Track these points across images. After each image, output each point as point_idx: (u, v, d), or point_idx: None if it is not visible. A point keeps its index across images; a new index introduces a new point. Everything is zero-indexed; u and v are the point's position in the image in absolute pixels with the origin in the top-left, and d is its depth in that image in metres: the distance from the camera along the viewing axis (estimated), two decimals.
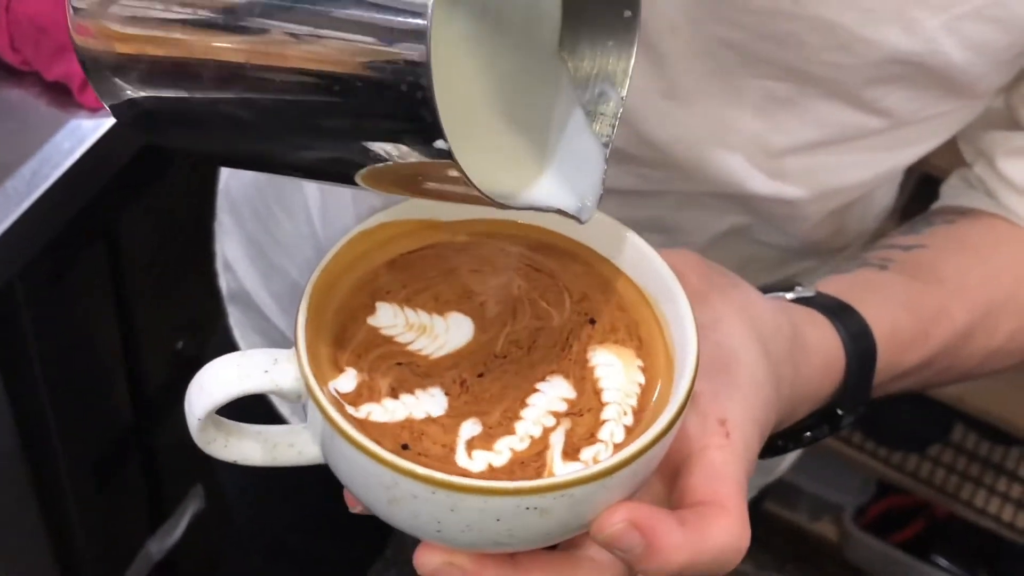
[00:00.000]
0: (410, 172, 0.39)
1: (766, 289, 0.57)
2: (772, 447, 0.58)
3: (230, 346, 0.92)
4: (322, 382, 0.43)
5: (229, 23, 0.37)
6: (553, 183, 0.46)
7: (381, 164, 0.38)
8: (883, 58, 0.57)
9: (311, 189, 0.78)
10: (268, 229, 0.83)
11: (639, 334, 0.47)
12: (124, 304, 1.16)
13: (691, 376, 0.43)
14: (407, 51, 0.34)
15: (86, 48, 0.40)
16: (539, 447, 0.42)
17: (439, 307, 0.47)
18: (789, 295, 0.59)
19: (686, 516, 0.43)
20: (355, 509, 0.45)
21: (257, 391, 0.43)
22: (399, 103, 0.35)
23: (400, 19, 0.35)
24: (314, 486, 0.56)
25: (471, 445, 0.42)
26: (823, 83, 0.59)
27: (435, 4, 0.34)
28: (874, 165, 0.66)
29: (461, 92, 0.44)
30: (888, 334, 0.59)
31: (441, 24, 0.43)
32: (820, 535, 1.85)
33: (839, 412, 0.58)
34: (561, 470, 0.41)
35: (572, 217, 0.45)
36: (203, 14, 0.37)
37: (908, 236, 0.68)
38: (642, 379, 0.45)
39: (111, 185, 1.02)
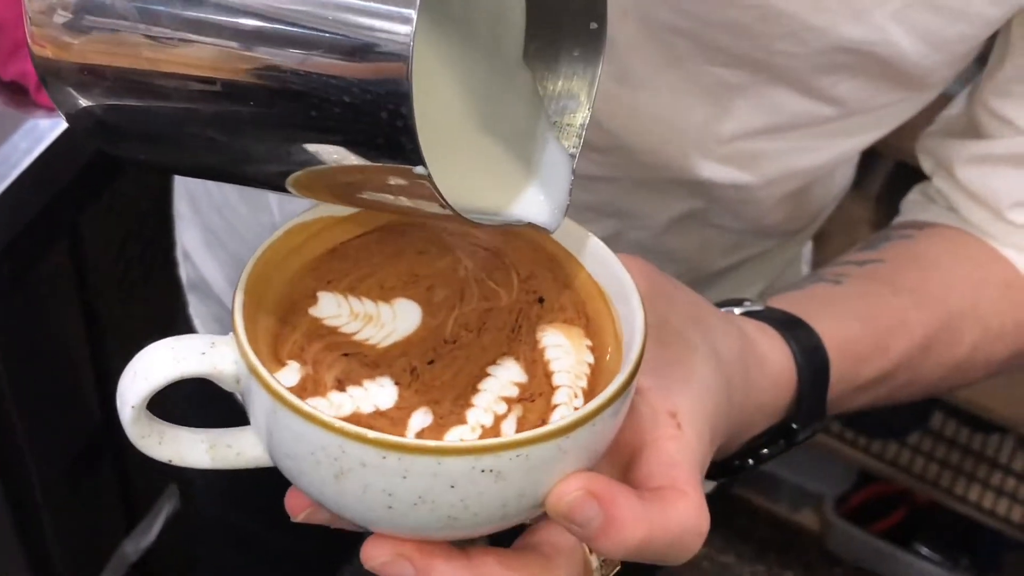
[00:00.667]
0: (384, 196, 0.38)
1: (715, 305, 0.56)
2: (730, 467, 0.58)
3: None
4: (262, 356, 0.41)
5: (199, 40, 0.36)
6: (522, 196, 0.45)
7: (353, 186, 0.38)
8: (833, 46, 0.57)
9: None
10: (226, 218, 0.82)
11: (587, 312, 0.46)
12: (89, 303, 1.15)
13: (641, 341, 0.42)
14: (389, 83, 0.34)
15: (43, 57, 0.39)
16: (490, 436, 0.41)
17: (384, 294, 0.46)
18: (738, 310, 0.58)
19: (644, 494, 0.42)
20: (297, 517, 0.43)
21: (194, 374, 0.41)
22: (378, 130, 0.35)
23: (381, 48, 0.34)
24: (283, 477, 0.55)
25: (421, 436, 0.40)
26: (774, 71, 0.59)
27: (415, 32, 0.34)
28: (827, 151, 0.66)
29: (434, 110, 0.44)
30: (841, 346, 0.58)
31: (419, 50, 0.42)
32: (801, 525, 1.85)
33: (794, 427, 0.57)
34: None
35: (542, 229, 0.45)
36: (171, 31, 0.37)
37: (864, 252, 0.68)
38: (591, 359, 0.44)
39: (71, 184, 1.01)
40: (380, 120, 0.35)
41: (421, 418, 0.41)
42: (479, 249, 0.48)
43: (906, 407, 1.74)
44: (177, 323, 0.95)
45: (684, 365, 0.48)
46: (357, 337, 0.44)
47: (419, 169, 0.36)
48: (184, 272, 0.92)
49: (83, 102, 0.40)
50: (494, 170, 0.46)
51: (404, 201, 0.39)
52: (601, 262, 0.46)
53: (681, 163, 0.64)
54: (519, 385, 0.43)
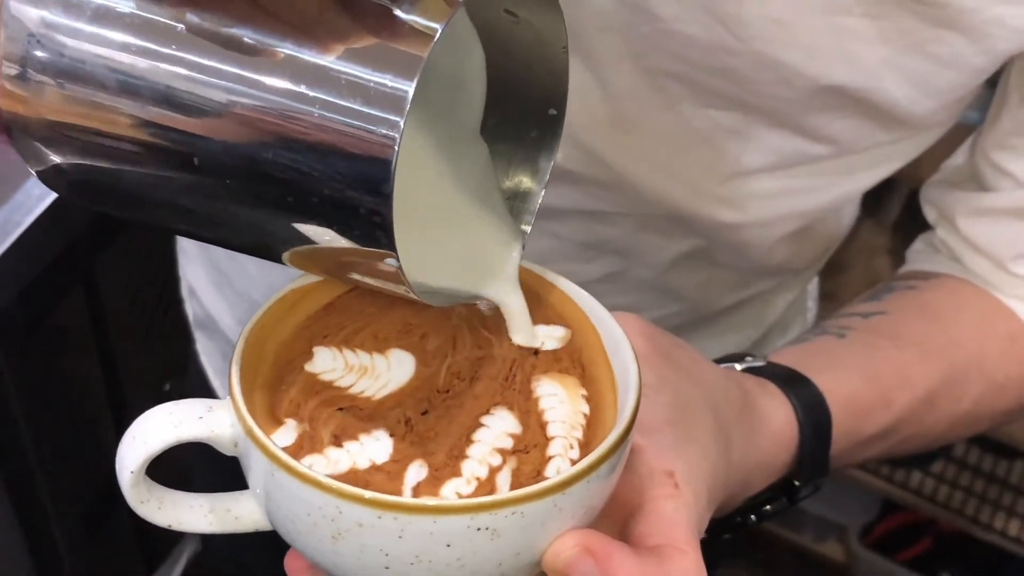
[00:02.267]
0: (354, 274, 0.40)
1: (717, 361, 0.57)
2: (731, 524, 0.58)
3: (199, 373, 0.92)
4: (259, 419, 0.41)
5: (177, 115, 0.37)
6: (477, 276, 0.46)
7: (322, 264, 0.39)
8: (825, 90, 0.57)
9: None
10: (232, 255, 0.83)
11: (582, 361, 0.46)
12: (106, 348, 1.16)
13: (635, 394, 0.42)
14: (371, 184, 0.35)
15: (14, 115, 0.40)
16: (485, 490, 0.40)
17: (379, 345, 0.46)
18: (739, 365, 0.58)
19: (642, 551, 0.42)
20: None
21: (192, 439, 0.41)
22: (355, 223, 0.36)
23: (366, 150, 0.35)
24: None
25: (417, 491, 0.40)
26: (768, 113, 0.60)
27: (402, 139, 0.35)
28: (825, 191, 0.67)
29: (407, 200, 0.45)
30: (844, 402, 0.58)
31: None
32: (826, 556, 1.84)
33: (796, 484, 0.57)
34: None
35: (490, 302, 0.46)
36: (146, 104, 0.37)
37: (869, 303, 0.68)
38: (587, 409, 0.44)
39: (86, 229, 1.01)
40: (358, 215, 0.36)
41: (416, 471, 0.41)
42: (471, 296, 0.48)
43: None
44: (187, 361, 0.95)
45: (682, 425, 0.48)
46: (352, 391, 0.44)
47: (391, 261, 0.37)
48: (190, 309, 0.93)
49: (52, 160, 0.41)
50: (455, 256, 0.46)
51: (370, 280, 0.40)
52: (595, 316, 0.46)
53: (680, 202, 0.64)
54: (513, 436, 0.42)
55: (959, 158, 0.69)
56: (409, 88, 0.35)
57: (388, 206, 0.35)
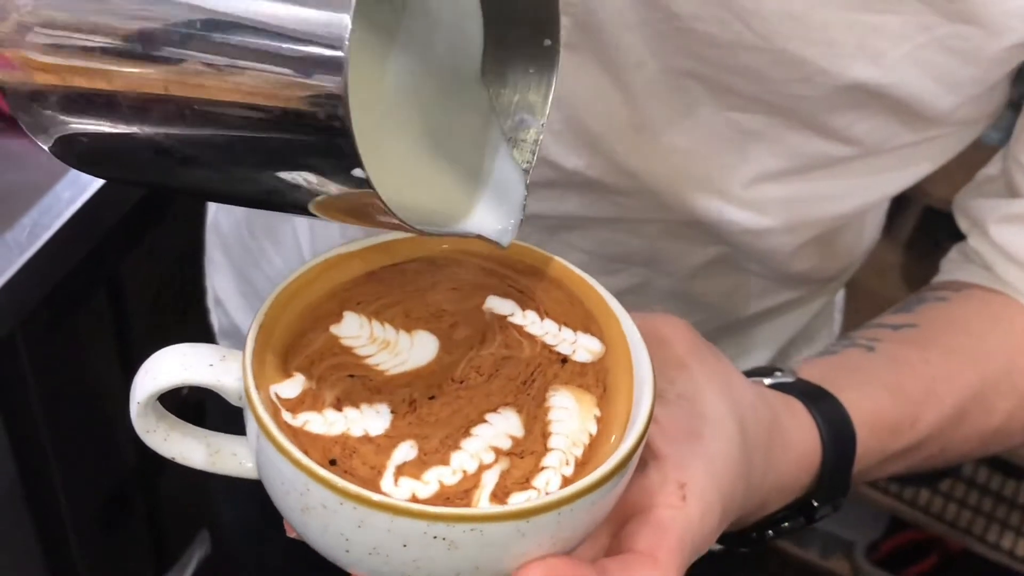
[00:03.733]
0: (332, 201, 0.39)
1: (746, 374, 0.56)
2: (746, 538, 0.58)
3: None
4: (262, 384, 0.42)
5: (144, 53, 0.37)
6: (474, 208, 0.46)
7: (306, 193, 0.39)
8: (847, 87, 0.57)
9: (300, 224, 0.78)
10: (258, 264, 0.83)
11: (606, 382, 0.45)
12: (126, 349, 1.16)
13: (631, 444, 0.41)
14: (324, 82, 0.34)
15: (4, 78, 0.40)
16: (469, 484, 0.40)
17: (408, 323, 0.46)
18: (768, 380, 0.58)
19: (607, 566, 0.42)
20: (291, 533, 0.44)
21: (199, 383, 0.42)
22: (316, 133, 0.35)
23: (316, 50, 0.34)
24: None
25: (400, 471, 0.40)
26: (790, 113, 0.59)
27: (351, 33, 0.34)
28: (849, 196, 0.66)
29: (381, 118, 0.45)
30: (870, 419, 0.58)
31: (359, 51, 0.43)
32: (832, 571, 1.83)
33: (814, 503, 0.57)
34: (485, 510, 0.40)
35: (492, 242, 0.45)
36: (119, 43, 0.37)
37: (899, 315, 0.67)
38: (594, 429, 0.43)
39: (112, 233, 1.02)
40: (318, 122, 0.35)
41: (406, 451, 0.41)
42: (515, 291, 0.48)
43: None
44: None
45: (708, 439, 0.48)
46: (369, 361, 0.45)
47: (358, 172, 0.36)
48: (216, 319, 0.93)
49: (47, 120, 0.41)
50: (446, 182, 0.46)
51: (358, 211, 0.39)
52: (632, 342, 0.46)
53: (703, 207, 0.64)
54: (513, 438, 0.42)
55: (991, 168, 0.68)
56: None
57: (345, 106, 0.34)
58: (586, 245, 0.68)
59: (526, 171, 0.47)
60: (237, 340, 0.89)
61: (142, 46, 0.37)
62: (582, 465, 0.42)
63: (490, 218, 0.46)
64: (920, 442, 0.61)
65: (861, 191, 0.66)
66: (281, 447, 0.39)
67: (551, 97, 0.46)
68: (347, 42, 0.34)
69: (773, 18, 0.54)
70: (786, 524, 0.57)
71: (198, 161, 0.40)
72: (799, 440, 0.55)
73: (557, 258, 0.49)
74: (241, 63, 0.35)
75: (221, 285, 0.90)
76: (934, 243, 1.66)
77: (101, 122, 0.40)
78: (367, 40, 0.44)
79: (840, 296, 0.90)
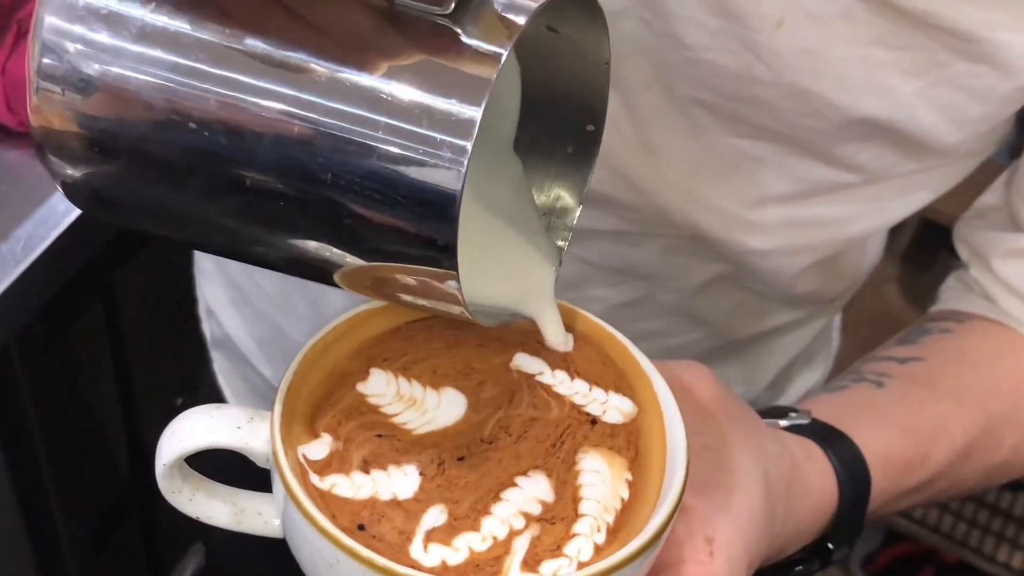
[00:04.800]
0: (411, 297, 0.39)
1: (760, 415, 0.56)
2: None
3: (216, 393, 0.92)
4: (290, 447, 0.41)
5: (226, 134, 0.36)
6: (515, 289, 0.46)
7: (381, 286, 0.39)
8: (856, 121, 0.57)
9: None
10: (250, 273, 0.83)
11: (638, 445, 0.44)
12: (122, 362, 1.16)
13: (666, 515, 0.41)
14: (437, 218, 0.35)
15: (45, 130, 0.39)
16: (500, 551, 0.40)
17: (435, 380, 0.46)
18: (783, 422, 0.58)
19: None
20: None
21: (227, 446, 0.42)
22: (419, 247, 0.36)
23: (433, 179, 0.35)
24: None
25: (430, 536, 0.40)
26: (796, 142, 0.60)
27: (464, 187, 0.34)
28: (851, 220, 0.66)
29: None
30: (884, 460, 0.58)
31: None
32: None
33: (830, 546, 0.57)
34: None
35: (527, 319, 0.45)
36: (199, 109, 0.36)
37: (905, 347, 0.67)
38: (626, 494, 0.42)
39: (108, 244, 1.02)
40: (422, 238, 0.36)
41: (436, 515, 0.41)
42: (543, 351, 0.47)
43: None
44: (203, 381, 0.95)
45: (734, 491, 0.48)
46: (396, 419, 0.44)
47: (451, 283, 0.36)
48: (208, 329, 0.93)
49: (83, 178, 0.40)
50: (494, 263, 0.45)
51: (422, 300, 0.39)
52: (666, 405, 0.45)
53: (707, 226, 0.64)
54: (543, 503, 0.42)
55: (991, 196, 0.68)
56: (477, 113, 0.34)
57: (453, 230, 0.35)
58: (589, 257, 0.68)
59: (561, 249, 0.47)
60: (230, 350, 0.89)
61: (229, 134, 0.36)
62: (614, 532, 0.41)
63: (529, 300, 0.46)
64: (931, 479, 0.61)
65: (864, 217, 0.66)
66: (309, 515, 0.39)
67: (589, 179, 0.46)
68: (465, 172, 0.34)
69: (785, 52, 0.54)
70: (800, 568, 0.58)
71: (270, 245, 0.39)
72: (818, 485, 0.55)
73: (587, 314, 0.48)
74: (352, 180, 0.35)
75: (212, 295, 0.89)
76: (931, 256, 1.66)
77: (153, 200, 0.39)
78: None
79: (838, 318, 0.90)
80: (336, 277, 0.40)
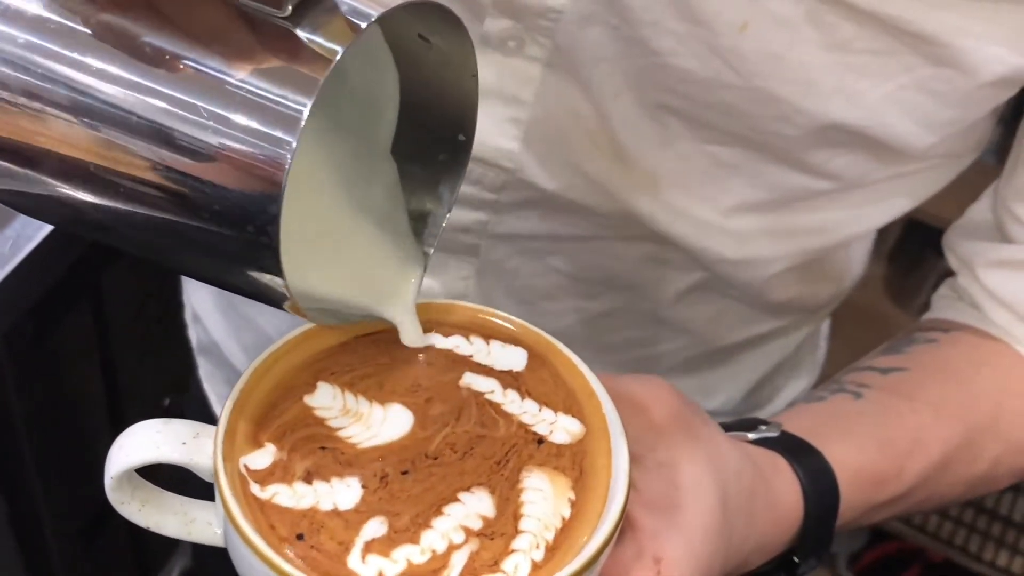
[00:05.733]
0: (239, 281, 0.39)
1: (728, 427, 0.56)
2: None
3: (201, 398, 0.92)
4: (230, 459, 0.42)
5: (74, 121, 0.37)
6: (368, 288, 0.46)
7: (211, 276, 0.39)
8: (825, 126, 0.57)
9: None
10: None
11: (583, 465, 0.44)
12: (109, 362, 1.16)
13: (605, 536, 0.41)
14: (259, 214, 0.35)
15: None
16: (438, 564, 0.40)
17: (382, 396, 0.46)
18: (751, 435, 0.57)
19: None
20: None
21: (172, 461, 0.42)
22: (244, 243, 0.36)
23: (257, 173, 0.35)
24: None
25: (369, 547, 0.40)
26: (767, 149, 0.59)
27: (293, 163, 0.34)
28: (828, 227, 0.66)
29: (298, 208, 0.44)
30: (855, 473, 0.58)
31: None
32: None
33: (795, 560, 0.56)
34: None
35: (389, 325, 0.46)
36: (54, 111, 0.37)
37: (889, 357, 0.67)
38: (567, 513, 0.42)
39: (94, 245, 1.02)
40: (246, 233, 0.36)
41: (375, 527, 0.41)
42: (494, 372, 0.48)
43: None
44: (189, 385, 0.96)
45: (687, 508, 0.47)
46: (341, 433, 0.44)
47: (278, 280, 0.37)
48: (194, 335, 0.93)
49: None
50: (345, 263, 0.46)
51: (254, 287, 0.39)
52: (614, 428, 0.45)
53: (683, 233, 0.64)
54: (484, 519, 0.42)
55: (981, 205, 0.68)
56: (304, 109, 0.35)
57: (276, 228, 0.35)
58: (568, 268, 0.68)
59: (426, 255, 0.47)
60: (216, 356, 0.89)
61: (70, 115, 0.37)
62: (552, 550, 0.41)
63: (386, 303, 0.46)
64: (906, 492, 0.61)
65: (842, 224, 0.66)
66: (248, 540, 0.39)
67: (458, 189, 0.46)
68: (288, 168, 0.34)
69: (752, 56, 0.54)
70: None
71: (125, 233, 0.40)
72: (782, 498, 0.55)
73: (542, 333, 0.49)
74: (182, 165, 0.36)
75: (198, 301, 0.89)
76: (917, 256, 1.67)
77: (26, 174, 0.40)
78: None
79: (826, 325, 0.90)
80: (182, 268, 0.41)
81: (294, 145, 0.35)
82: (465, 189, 0.63)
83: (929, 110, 0.57)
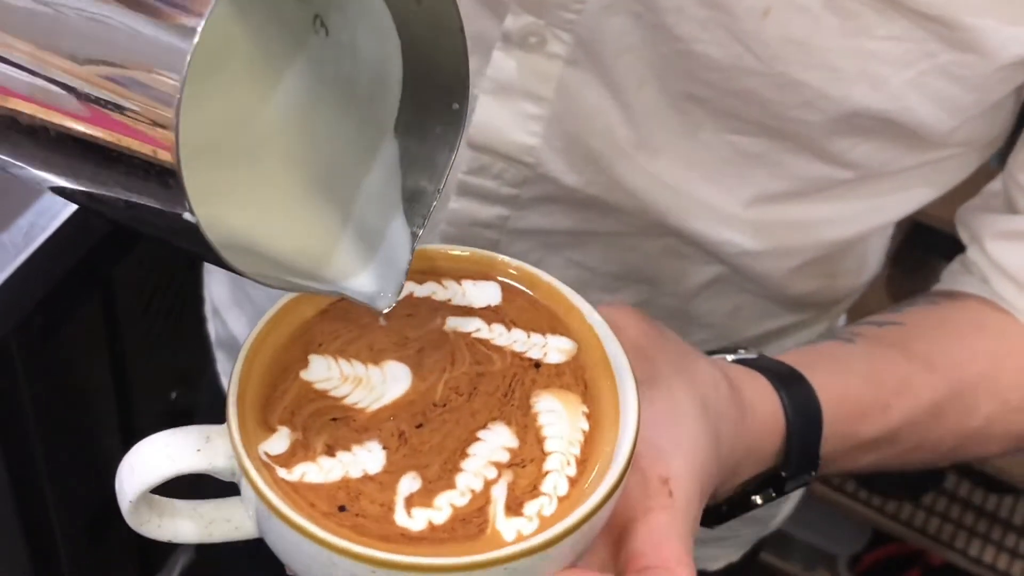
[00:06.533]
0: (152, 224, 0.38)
1: (708, 353, 0.57)
2: (717, 514, 0.58)
3: (217, 394, 0.92)
4: (253, 453, 0.41)
5: None
6: (351, 265, 0.45)
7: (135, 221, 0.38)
8: (849, 113, 0.57)
9: None
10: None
11: (585, 378, 0.45)
12: (118, 355, 1.16)
13: (631, 440, 0.42)
14: (160, 158, 0.34)
15: None
16: (481, 502, 0.41)
17: (374, 356, 0.46)
18: (730, 357, 0.58)
19: None
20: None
21: (190, 471, 0.41)
22: (149, 175, 0.35)
23: (150, 114, 0.34)
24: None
25: (410, 502, 0.41)
26: (790, 137, 0.60)
27: (192, 58, 0.33)
28: (848, 219, 0.66)
29: (274, 159, 0.43)
30: (838, 400, 0.58)
31: (268, 95, 0.42)
32: None
33: (783, 474, 0.57)
34: (504, 526, 0.40)
35: (366, 305, 0.44)
36: None
37: (887, 314, 0.67)
38: (586, 426, 0.44)
39: (105, 238, 1.02)
40: (149, 164, 0.34)
41: (409, 483, 0.41)
42: (474, 310, 0.48)
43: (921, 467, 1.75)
44: (204, 379, 0.96)
45: (674, 424, 0.48)
46: (347, 401, 0.44)
47: (188, 216, 0.35)
48: (213, 328, 0.93)
49: None
50: (330, 232, 0.45)
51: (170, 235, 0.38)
52: (603, 334, 0.46)
53: (702, 227, 0.64)
54: (510, 450, 0.42)
55: (998, 184, 0.68)
56: (198, 22, 0.33)
57: (179, 177, 0.34)
58: (588, 262, 0.68)
59: (415, 234, 0.46)
60: (234, 350, 0.89)
61: None
62: (583, 462, 0.42)
63: (367, 279, 0.45)
64: (892, 433, 0.61)
65: (861, 216, 0.67)
66: (300, 528, 0.39)
67: (451, 163, 0.45)
68: (178, 118, 0.33)
69: (774, 42, 0.55)
70: (757, 498, 0.58)
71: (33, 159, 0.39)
72: (762, 407, 0.55)
73: (509, 259, 0.49)
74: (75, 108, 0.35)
75: (218, 295, 0.90)
76: (921, 259, 1.67)
77: None
78: (287, 79, 0.43)
79: (842, 320, 0.89)
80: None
81: (188, 56, 0.33)
82: (485, 184, 0.64)
83: (951, 94, 0.57)
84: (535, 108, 0.60)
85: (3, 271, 0.90)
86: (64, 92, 0.35)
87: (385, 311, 0.45)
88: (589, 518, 0.39)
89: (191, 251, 0.38)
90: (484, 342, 0.47)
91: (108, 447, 1.23)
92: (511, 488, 0.41)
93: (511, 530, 0.40)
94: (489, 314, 0.48)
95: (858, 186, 0.64)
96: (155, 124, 0.33)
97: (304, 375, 0.45)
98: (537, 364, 0.46)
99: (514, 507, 0.41)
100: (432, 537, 0.40)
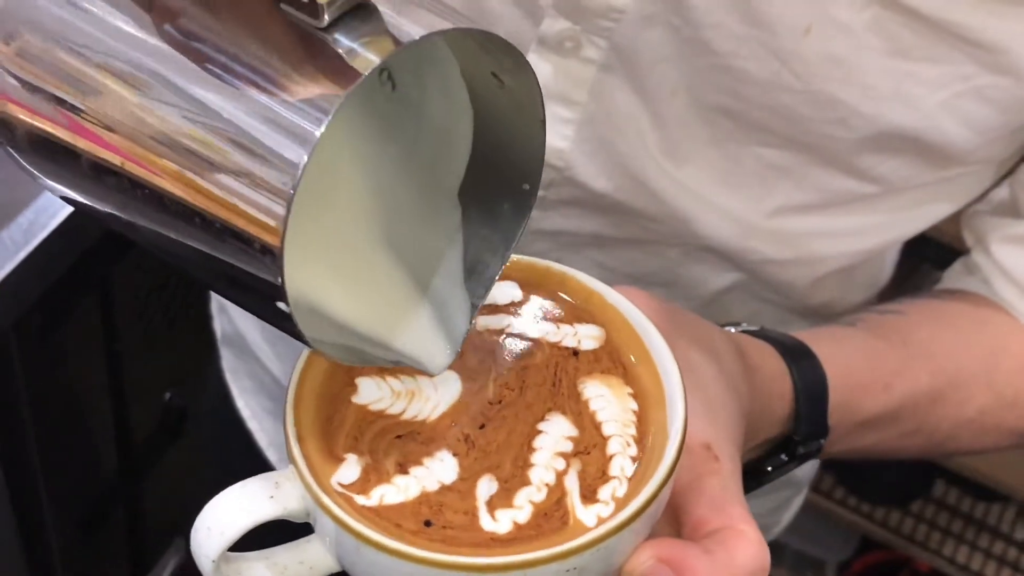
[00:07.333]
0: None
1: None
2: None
3: (221, 394, 0.92)
4: (327, 487, 0.41)
5: (105, 129, 0.37)
6: (409, 330, 0.44)
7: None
8: (880, 131, 0.58)
9: None
10: None
11: (622, 359, 0.46)
12: (114, 354, 1.16)
13: (682, 409, 0.42)
14: (266, 254, 0.34)
15: None
16: (557, 494, 0.41)
17: None
18: (735, 329, 0.59)
19: (708, 545, 0.43)
20: None
21: (266, 519, 0.41)
22: (251, 262, 0.35)
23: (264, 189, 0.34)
24: (294, 529, 0.56)
25: (492, 505, 0.41)
26: (818, 152, 0.60)
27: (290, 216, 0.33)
28: (869, 231, 0.67)
29: (345, 220, 0.43)
30: (841, 373, 0.59)
31: (345, 157, 0.42)
32: None
33: (795, 438, 0.58)
34: (584, 514, 0.41)
35: (422, 372, 0.45)
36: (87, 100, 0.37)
37: (888, 304, 0.68)
38: (635, 405, 0.44)
39: (102, 239, 1.02)
40: (253, 254, 0.35)
41: (487, 486, 0.42)
42: (500, 308, 0.48)
43: (908, 473, 1.76)
44: (206, 377, 0.96)
45: (701, 392, 0.48)
46: (405, 416, 0.44)
47: (281, 306, 0.36)
48: (219, 326, 0.93)
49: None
50: (390, 296, 0.44)
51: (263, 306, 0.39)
52: (628, 313, 0.47)
53: (725, 235, 0.65)
54: (572, 439, 0.43)
55: (1004, 189, 0.69)
56: (317, 129, 0.33)
57: (280, 273, 0.34)
58: (608, 263, 0.69)
59: (475, 306, 0.45)
60: (240, 347, 0.89)
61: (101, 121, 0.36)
62: (640, 441, 0.43)
63: (423, 345, 0.44)
64: (894, 411, 0.62)
65: (882, 228, 0.67)
66: (397, 552, 0.39)
67: (517, 240, 0.44)
68: (285, 228, 0.33)
69: (813, 59, 0.55)
70: (771, 468, 0.58)
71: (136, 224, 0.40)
72: (769, 370, 0.56)
73: (518, 257, 0.49)
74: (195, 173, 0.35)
75: None
76: (913, 266, 1.68)
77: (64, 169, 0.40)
78: (357, 145, 0.43)
79: None
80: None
81: (302, 165, 0.33)
82: None
83: (981, 116, 0.58)
84: (567, 112, 0.61)
85: (4, 268, 0.90)
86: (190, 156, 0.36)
87: (435, 376, 0.45)
88: (660, 490, 0.40)
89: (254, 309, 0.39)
90: (519, 336, 0.47)
91: (102, 445, 1.23)
92: (582, 477, 0.42)
93: (591, 516, 0.40)
94: (515, 310, 0.48)
95: (879, 200, 0.64)
96: (265, 212, 0.34)
97: (356, 400, 0.45)
98: (575, 352, 0.46)
99: (589, 495, 0.41)
100: (521, 536, 0.40)
